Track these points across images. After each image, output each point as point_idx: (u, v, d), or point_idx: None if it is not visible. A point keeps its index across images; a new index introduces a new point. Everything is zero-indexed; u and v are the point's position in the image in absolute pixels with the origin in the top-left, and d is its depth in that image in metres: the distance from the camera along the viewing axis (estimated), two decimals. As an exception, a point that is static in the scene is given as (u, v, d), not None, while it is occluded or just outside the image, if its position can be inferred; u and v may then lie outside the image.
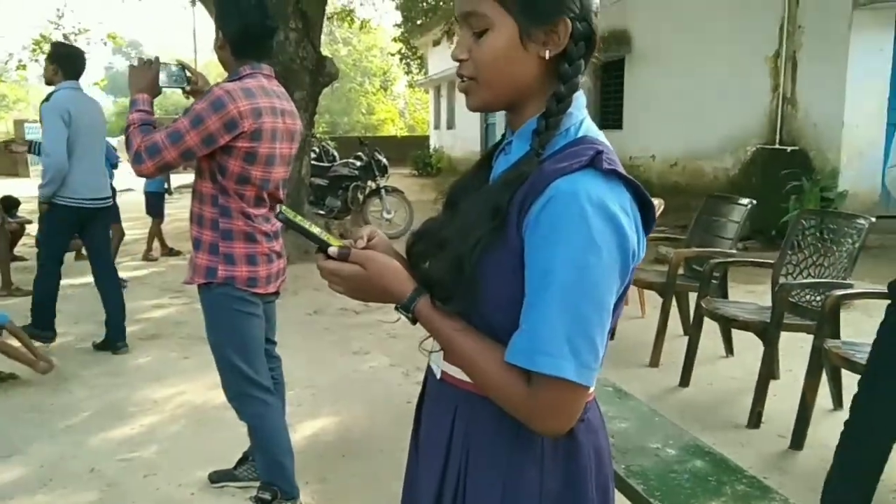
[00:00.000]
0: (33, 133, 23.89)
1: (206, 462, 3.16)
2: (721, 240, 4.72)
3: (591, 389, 1.04)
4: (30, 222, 8.57)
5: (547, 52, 1.02)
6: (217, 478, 3.01)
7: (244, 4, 2.43)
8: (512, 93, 1.06)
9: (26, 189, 11.71)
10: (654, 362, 4.42)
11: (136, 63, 2.57)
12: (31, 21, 33.38)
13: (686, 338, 4.37)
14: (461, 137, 19.33)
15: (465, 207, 1.09)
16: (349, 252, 1.06)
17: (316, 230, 1.08)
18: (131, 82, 2.50)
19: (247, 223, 2.49)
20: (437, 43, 20.19)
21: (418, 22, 22.18)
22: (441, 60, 20.37)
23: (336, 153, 11.62)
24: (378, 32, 28.51)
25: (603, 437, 1.15)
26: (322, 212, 9.81)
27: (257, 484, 2.83)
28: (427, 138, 24.78)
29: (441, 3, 14.39)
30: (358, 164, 10.18)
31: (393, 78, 37.48)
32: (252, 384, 2.61)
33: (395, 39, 24.97)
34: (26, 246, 8.43)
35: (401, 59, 26.12)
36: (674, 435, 2.32)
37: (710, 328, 4.26)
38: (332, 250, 1.05)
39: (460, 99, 19.95)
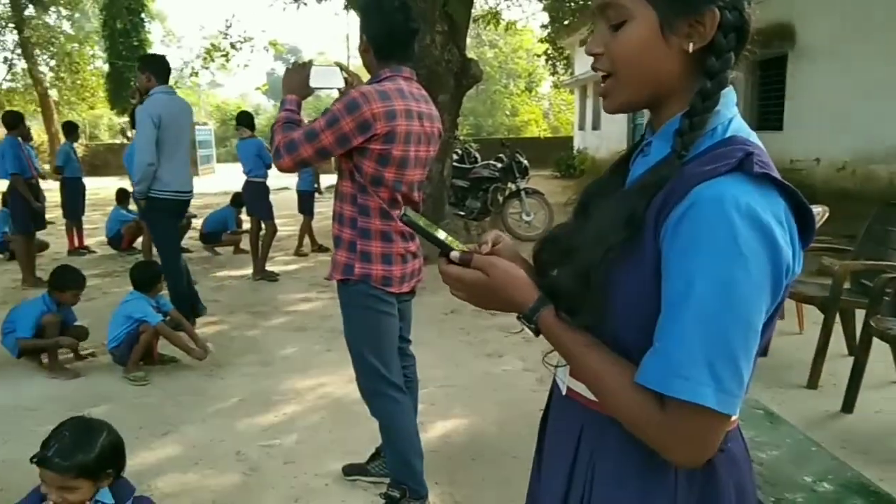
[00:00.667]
0: (204, 135, 25.99)
1: (341, 454, 3.25)
2: (895, 252, 4.25)
3: (734, 417, 0.94)
4: (195, 216, 9.31)
5: (691, 44, 0.93)
6: (350, 471, 3.09)
7: (387, 7, 2.47)
8: (653, 89, 0.98)
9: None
10: (813, 384, 4.05)
11: (291, 66, 2.67)
12: (203, 32, 36.35)
13: (850, 359, 3.97)
14: (606, 138, 18.84)
15: (597, 213, 1.02)
16: (471, 257, 1.02)
17: (441, 234, 1.05)
18: (284, 83, 2.61)
19: (384, 223, 2.53)
20: (583, 43, 19.82)
21: (565, 22, 21.87)
22: (587, 61, 19.84)
23: (478, 155, 11.69)
24: (524, 34, 28.43)
25: (747, 470, 1.04)
26: (462, 213, 9.90)
27: (387, 480, 2.87)
28: (571, 139, 24.41)
29: (589, 3, 14.13)
30: (499, 165, 10.19)
31: (538, 79, 37.27)
32: (384, 381, 2.65)
33: (541, 40, 24.78)
34: (192, 239, 9.17)
35: (546, 60, 25.89)
36: (833, 468, 2.09)
37: (879, 349, 3.85)
38: (454, 254, 1.02)
39: (606, 99, 19.64)
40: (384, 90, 2.43)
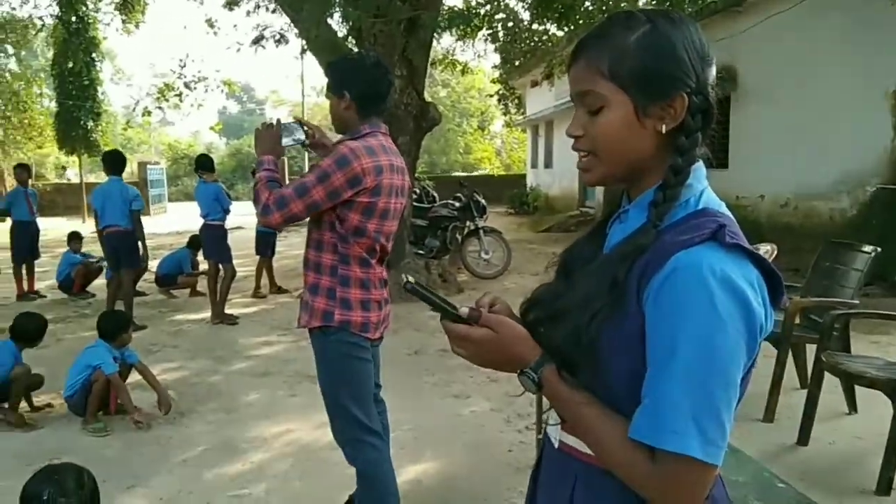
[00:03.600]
0: (155, 174, 25.63)
1: (313, 503, 3.23)
2: (842, 288, 4.45)
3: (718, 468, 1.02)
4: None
5: (664, 126, 1.04)
6: (323, 519, 3.08)
7: (367, 64, 2.58)
8: (630, 166, 1.07)
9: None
10: (769, 417, 4.19)
11: (260, 127, 2.72)
12: (153, 70, 36.06)
13: (803, 391, 4.13)
14: (559, 176, 19.26)
15: (581, 277, 1.10)
16: (480, 314, 1.07)
17: (441, 299, 1.10)
18: (257, 145, 2.67)
19: (363, 271, 2.59)
20: (535, 84, 20.31)
21: (516, 63, 22.43)
22: (539, 101, 20.48)
23: (436, 194, 11.83)
24: (477, 74, 28.99)
25: None
26: (421, 251, 9.97)
27: (362, 528, 2.86)
28: (524, 177, 24.84)
29: (540, 45, 14.53)
30: (457, 204, 10.32)
31: (490, 118, 37.91)
32: (365, 430, 2.66)
33: (493, 81, 25.27)
34: (147, 282, 8.98)
35: (499, 100, 26.40)
36: (798, 503, 2.19)
37: (831, 382, 4.02)
38: (464, 311, 1.07)
39: (558, 138, 19.79)
40: (370, 146, 2.52)
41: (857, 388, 4.11)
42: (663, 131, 1.04)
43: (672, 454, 0.93)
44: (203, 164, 7.70)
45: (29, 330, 4.59)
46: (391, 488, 2.75)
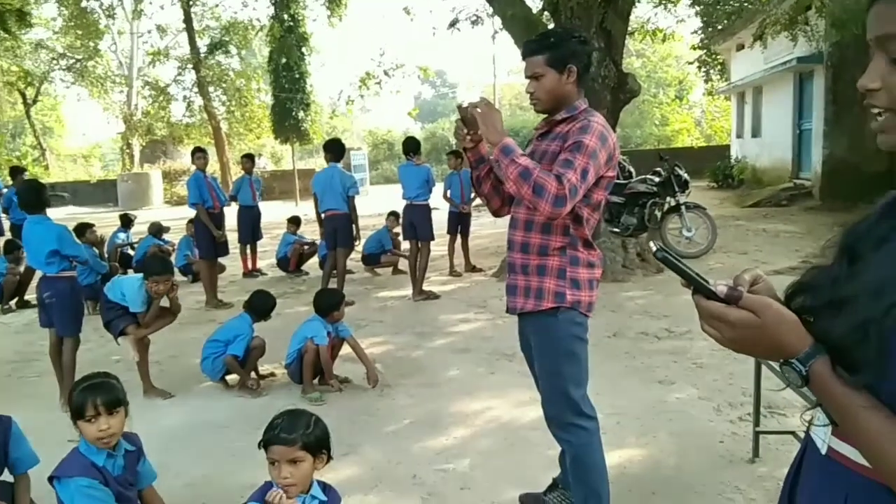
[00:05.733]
0: (359, 159, 27.26)
1: (515, 481, 3.23)
2: None
3: None
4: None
5: None
6: (527, 500, 3.06)
7: (583, 37, 2.53)
8: None
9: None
10: None
11: (463, 106, 2.53)
12: (355, 60, 38.29)
13: None
14: (768, 146, 17.68)
15: (875, 261, 0.93)
16: (741, 295, 0.95)
17: (695, 271, 0.99)
18: (489, 129, 2.43)
19: (587, 251, 2.56)
20: (741, 47, 18.84)
21: (719, 27, 20.92)
22: (745, 65, 18.92)
23: (632, 168, 11.37)
24: (673, 41, 27.55)
25: None
26: (617, 230, 9.64)
27: (566, 512, 2.81)
28: (727, 148, 23.14)
29: (746, 5, 13.40)
30: (656, 179, 9.82)
31: (689, 87, 35.82)
32: (581, 414, 2.60)
33: (693, 47, 23.85)
34: (354, 261, 9.57)
35: (699, 67, 24.86)
36: None
37: None
38: (721, 289, 0.95)
39: (767, 105, 18.25)
40: (604, 120, 2.49)
41: None
42: None
43: None
44: (412, 146, 8.02)
45: (264, 306, 5.06)
46: (604, 473, 2.67)
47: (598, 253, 2.63)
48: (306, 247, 9.72)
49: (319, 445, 2.29)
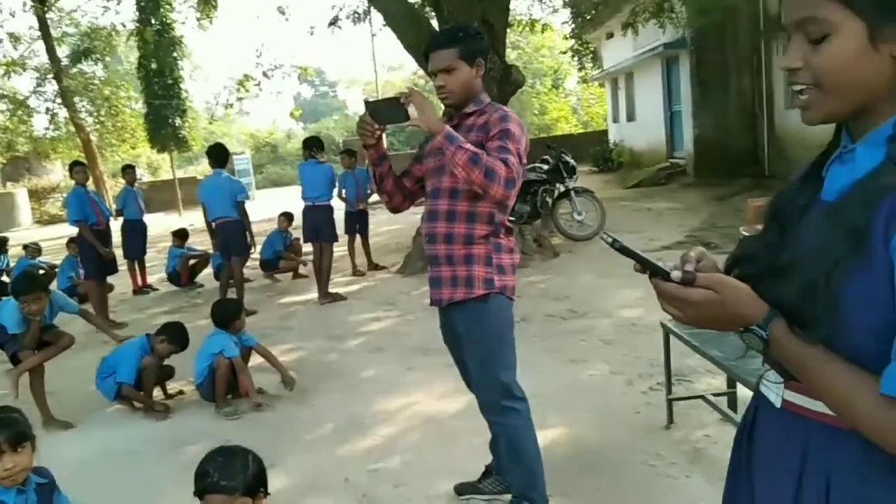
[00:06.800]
0: (242, 164, 26.43)
1: (449, 473, 3.26)
2: None
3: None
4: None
5: None
6: (463, 490, 3.09)
7: (482, 32, 2.62)
8: (861, 99, 0.97)
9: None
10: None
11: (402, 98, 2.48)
12: (230, 63, 37.01)
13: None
14: (643, 128, 18.64)
15: (806, 227, 1.01)
16: (695, 276, 1.00)
17: (649, 257, 1.04)
18: (427, 116, 2.42)
19: (507, 238, 2.64)
20: (611, 36, 19.71)
21: (587, 17, 21.76)
22: (616, 53, 19.83)
23: (521, 158, 11.69)
24: (546, 31, 28.47)
25: None
26: (512, 218, 9.83)
27: (502, 497, 2.87)
28: (604, 133, 24.19)
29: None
30: (545, 167, 10.12)
31: (563, 75, 37.11)
32: (513, 397, 2.66)
33: (565, 37, 24.69)
34: (251, 269, 9.29)
35: (573, 56, 25.78)
36: None
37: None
38: (676, 275, 1.00)
39: (640, 90, 19.14)
40: None
41: None
42: None
43: None
44: (315, 143, 7.85)
45: (179, 334, 4.77)
46: (538, 455, 2.73)
47: (514, 239, 2.73)
48: (194, 259, 9.37)
49: (259, 485, 2.09)
